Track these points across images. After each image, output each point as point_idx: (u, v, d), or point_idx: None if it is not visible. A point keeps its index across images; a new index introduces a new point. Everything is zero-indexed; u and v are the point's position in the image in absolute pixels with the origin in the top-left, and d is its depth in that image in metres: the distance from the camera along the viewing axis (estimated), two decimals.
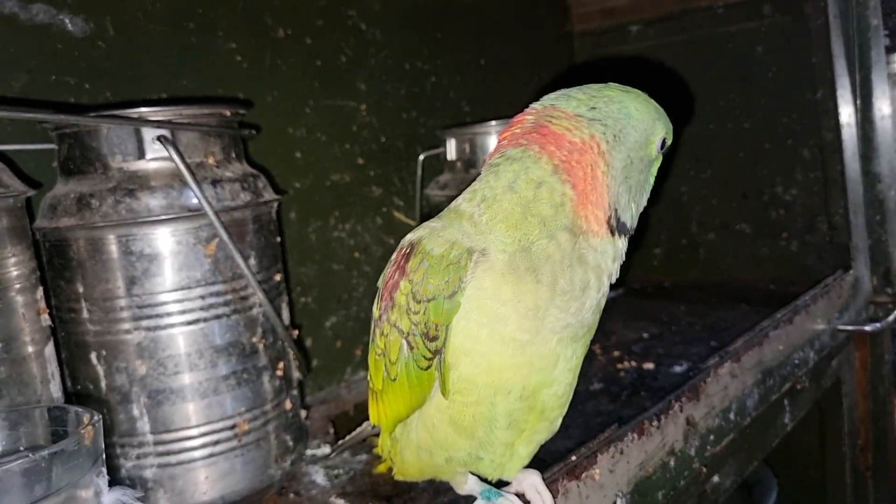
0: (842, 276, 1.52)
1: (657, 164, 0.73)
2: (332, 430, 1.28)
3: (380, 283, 0.75)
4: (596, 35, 2.00)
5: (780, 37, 1.69)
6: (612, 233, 0.68)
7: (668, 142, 0.72)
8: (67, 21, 1.09)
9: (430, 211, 1.51)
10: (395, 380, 0.73)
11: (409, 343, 0.70)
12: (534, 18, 1.96)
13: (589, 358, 1.49)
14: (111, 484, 0.95)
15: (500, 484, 0.80)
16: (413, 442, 0.76)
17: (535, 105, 0.70)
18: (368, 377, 0.81)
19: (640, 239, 1.98)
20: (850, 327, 1.46)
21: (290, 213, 1.40)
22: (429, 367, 0.69)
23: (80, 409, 0.71)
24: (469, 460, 0.74)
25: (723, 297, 1.77)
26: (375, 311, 0.75)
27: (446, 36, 1.71)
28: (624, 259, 0.72)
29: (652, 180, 0.73)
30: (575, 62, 2.03)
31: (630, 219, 0.70)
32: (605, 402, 1.27)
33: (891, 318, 1.48)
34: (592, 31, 2.00)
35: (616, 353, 1.50)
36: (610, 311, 1.83)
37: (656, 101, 0.73)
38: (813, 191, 1.70)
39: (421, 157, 1.48)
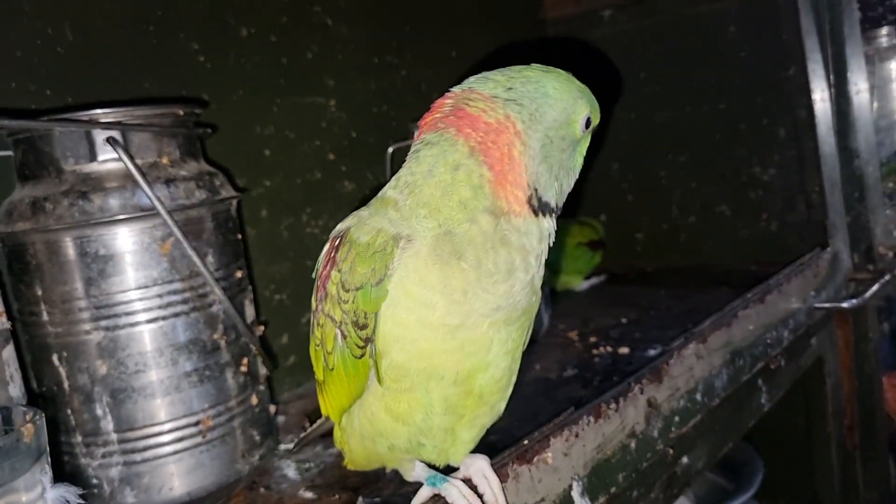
0: (818, 254, 1.51)
1: (585, 143, 0.73)
2: (307, 425, 1.29)
3: (314, 275, 0.76)
4: (569, 21, 1.99)
5: (751, 15, 1.68)
6: (535, 213, 0.68)
7: (594, 121, 0.72)
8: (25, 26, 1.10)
9: None
10: (332, 370, 0.74)
11: (342, 332, 0.71)
12: (505, 6, 1.96)
13: (564, 345, 1.50)
14: (71, 483, 0.96)
15: (449, 470, 0.81)
16: (357, 431, 0.77)
17: (455, 89, 0.71)
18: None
19: (620, 224, 1.99)
20: (826, 305, 1.46)
21: (262, 210, 1.41)
22: (362, 356, 0.70)
23: (25, 408, 0.72)
24: (410, 447, 0.75)
25: (704, 281, 1.76)
26: (313, 303, 0.76)
27: (415, 28, 1.71)
28: (553, 239, 0.72)
29: (580, 160, 0.73)
30: (550, 49, 2.03)
31: (554, 198, 0.70)
32: (577, 387, 1.27)
33: (868, 294, 1.47)
34: (565, 17, 1.99)
35: (592, 339, 1.50)
36: (591, 298, 1.84)
37: (592, 83, 0.73)
38: (790, 170, 1.69)
39: (390, 150, 1.48)
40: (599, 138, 1.93)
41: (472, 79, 0.71)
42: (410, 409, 0.71)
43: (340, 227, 0.73)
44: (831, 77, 1.59)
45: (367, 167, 1.58)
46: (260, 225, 1.40)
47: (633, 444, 1.00)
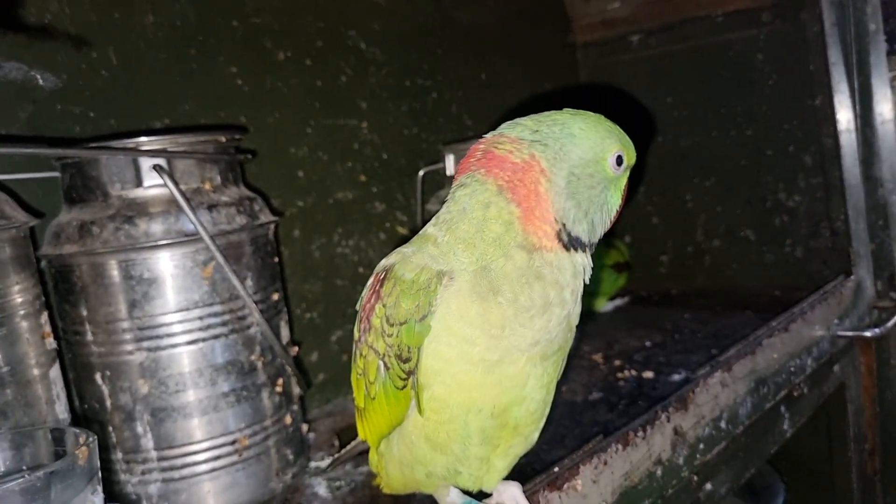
0: (842, 282, 1.52)
1: (621, 181, 0.75)
2: (336, 443, 1.31)
3: (358, 307, 0.78)
4: (598, 46, 2.02)
5: (779, 44, 1.70)
6: (567, 248, 0.71)
7: (628, 160, 0.74)
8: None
9: None
10: (374, 399, 0.76)
11: (385, 364, 0.73)
12: (535, 31, 1.98)
13: (590, 367, 1.52)
14: (112, 500, 0.99)
15: (482, 496, 0.83)
16: (395, 457, 0.80)
17: (487, 135, 0.74)
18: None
19: (645, 247, 2.00)
20: (849, 333, 1.47)
21: (294, 230, 1.44)
22: (404, 387, 0.73)
23: (77, 430, 0.75)
24: (448, 474, 0.77)
25: (728, 305, 1.78)
26: (356, 333, 0.78)
27: (447, 52, 1.74)
28: (589, 274, 0.74)
29: (615, 197, 0.74)
30: (578, 74, 2.05)
31: (585, 233, 0.72)
32: (602, 411, 1.29)
33: (891, 323, 1.48)
34: (595, 41, 2.02)
35: (617, 363, 1.51)
36: (615, 320, 1.86)
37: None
38: (816, 197, 1.70)
39: (421, 173, 1.51)
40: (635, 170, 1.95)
41: (503, 125, 0.74)
42: (449, 440, 0.73)
43: (384, 262, 0.76)
44: (857, 107, 1.60)
45: (398, 188, 1.61)
46: (293, 245, 1.43)
47: (659, 472, 1.01)
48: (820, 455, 1.67)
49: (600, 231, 0.74)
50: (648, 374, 1.43)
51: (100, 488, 0.72)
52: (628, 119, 0.77)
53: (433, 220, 0.75)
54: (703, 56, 1.84)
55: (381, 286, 0.73)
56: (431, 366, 0.70)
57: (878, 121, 1.62)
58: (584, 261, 0.73)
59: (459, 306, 0.69)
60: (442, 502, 0.83)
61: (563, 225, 0.70)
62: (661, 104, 1.91)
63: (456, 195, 0.73)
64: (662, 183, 1.94)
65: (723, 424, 1.15)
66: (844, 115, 1.59)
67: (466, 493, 0.82)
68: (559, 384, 0.76)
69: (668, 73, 1.90)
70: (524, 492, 0.82)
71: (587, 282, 0.74)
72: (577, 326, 0.76)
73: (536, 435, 0.80)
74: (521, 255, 0.69)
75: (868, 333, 1.46)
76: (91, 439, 0.72)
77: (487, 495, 0.83)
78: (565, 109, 0.73)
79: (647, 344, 1.61)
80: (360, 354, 0.77)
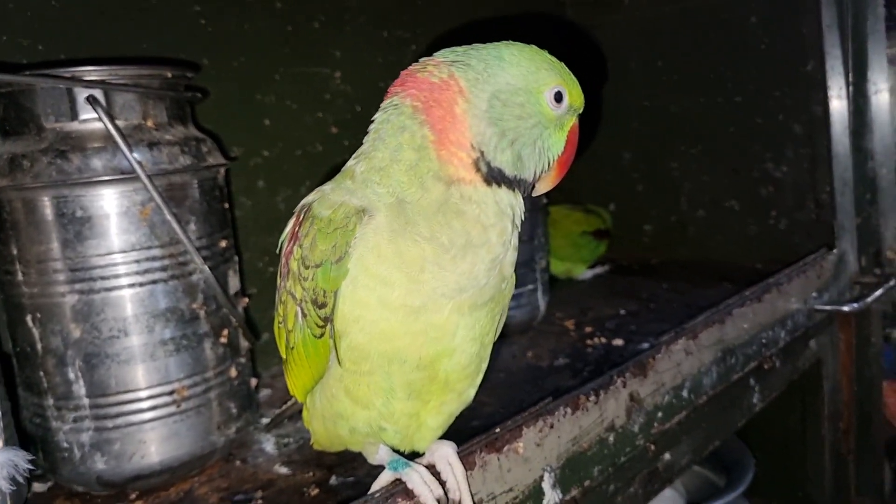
0: (823, 255, 1.47)
1: (566, 124, 0.69)
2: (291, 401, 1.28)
3: (278, 250, 0.74)
4: (589, 3, 1.95)
5: (774, 6, 1.63)
6: (488, 182, 0.65)
7: (570, 100, 0.68)
8: None
9: None
10: (293, 349, 0.72)
11: (302, 310, 0.69)
12: None
13: (559, 333, 1.48)
14: (45, 447, 0.95)
15: (414, 455, 0.79)
16: (319, 412, 0.76)
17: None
18: None
19: (628, 215, 1.95)
20: (827, 307, 1.42)
21: (259, 181, 1.39)
22: (322, 336, 0.68)
23: None
24: (371, 431, 0.73)
25: (707, 276, 1.73)
26: (278, 279, 0.74)
27: (428, 2, 1.67)
28: (520, 216, 0.69)
29: (555, 138, 0.68)
30: (566, 31, 1.99)
31: (509, 165, 0.66)
32: (566, 377, 1.25)
33: (870, 298, 1.43)
34: None
35: (588, 330, 1.48)
36: (592, 288, 1.82)
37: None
38: (803, 168, 1.64)
39: None
40: (613, 128, 1.90)
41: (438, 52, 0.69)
42: (370, 393, 0.69)
43: (305, 200, 0.71)
44: (850, 74, 1.54)
45: None
46: (256, 196, 1.38)
47: (611, 438, 0.98)
48: (793, 432, 1.64)
49: (532, 169, 0.68)
50: (618, 342, 1.39)
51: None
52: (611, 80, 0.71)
53: (354, 155, 0.70)
54: (695, 17, 1.77)
55: (300, 226, 0.68)
56: (349, 312, 0.65)
57: (871, 90, 1.56)
58: (510, 199, 0.67)
59: (376, 245, 0.64)
60: (370, 459, 0.79)
61: (482, 153, 0.64)
62: (650, 68, 1.85)
63: (375, 123, 0.69)
64: (648, 150, 1.88)
65: (685, 393, 1.11)
66: (836, 82, 1.53)
67: (398, 452, 0.78)
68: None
69: (658, 35, 1.84)
70: (458, 452, 0.78)
71: (518, 225, 0.69)
72: (514, 273, 0.71)
73: (472, 392, 0.76)
74: (438, 186, 0.64)
75: (846, 308, 1.42)
76: None
77: (420, 456, 0.79)
78: (504, 41, 0.68)
79: (622, 312, 1.57)
80: (280, 301, 0.72)
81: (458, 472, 0.76)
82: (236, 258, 1.11)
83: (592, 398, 0.94)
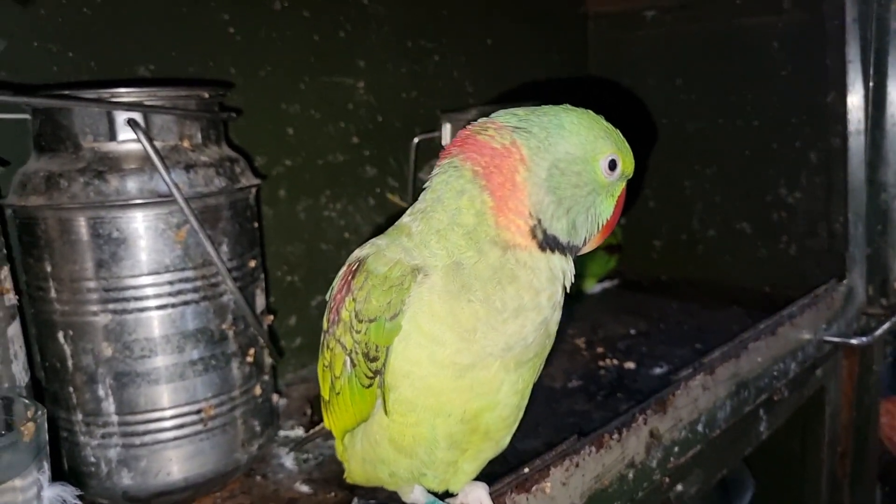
0: (834, 287, 1.49)
1: (615, 190, 0.70)
2: (308, 411, 1.29)
3: (328, 297, 0.75)
4: (611, 18, 1.94)
5: (797, 34, 1.63)
6: (542, 248, 0.66)
7: (624, 168, 0.69)
8: None
9: None
10: (339, 394, 0.73)
11: (351, 360, 0.70)
12: None
13: (571, 352, 1.50)
14: (71, 464, 0.96)
15: (447, 495, 0.80)
16: (358, 453, 0.77)
17: (477, 121, 0.69)
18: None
19: (640, 231, 1.96)
20: (836, 339, 1.44)
21: (280, 190, 1.39)
22: (370, 386, 0.69)
23: (27, 402, 0.71)
24: (411, 477, 0.74)
25: (716, 297, 1.75)
26: (325, 323, 0.75)
27: (452, 13, 1.67)
28: (570, 280, 0.70)
29: (607, 206, 0.69)
30: (588, 45, 1.99)
31: (563, 233, 0.66)
32: (580, 401, 1.27)
33: (878, 332, 1.45)
34: (608, 13, 1.94)
35: (600, 350, 1.49)
36: (602, 303, 1.83)
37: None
38: (816, 196, 1.66)
39: (415, 141, 1.46)
40: (627, 142, 1.90)
41: (496, 112, 0.69)
42: (415, 443, 0.70)
43: (358, 253, 0.72)
44: (869, 108, 1.55)
45: (391, 153, 1.56)
46: (277, 205, 1.39)
47: (631, 475, 0.99)
48: (793, 455, 1.66)
49: (583, 235, 0.69)
50: (630, 365, 1.41)
51: (46, 466, 0.69)
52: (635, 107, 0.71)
53: (409, 210, 0.71)
54: (718, 39, 1.77)
55: (353, 278, 0.69)
56: (400, 367, 0.66)
57: (888, 123, 1.57)
58: (562, 265, 0.68)
59: (430, 305, 0.65)
60: (405, 498, 0.80)
61: (539, 221, 0.65)
62: (669, 85, 1.85)
63: (433, 182, 0.69)
64: (663, 167, 1.89)
65: (700, 428, 1.12)
66: (855, 116, 1.54)
67: (431, 492, 0.79)
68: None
69: (679, 53, 1.84)
70: (490, 493, 0.80)
71: (567, 288, 0.70)
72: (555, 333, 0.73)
73: (508, 439, 0.77)
74: (494, 251, 0.64)
75: (855, 341, 1.44)
76: (40, 413, 0.69)
77: (452, 495, 0.80)
78: (565, 104, 0.68)
79: (632, 332, 1.59)
80: (327, 347, 0.73)
81: None
82: (263, 276, 1.11)
83: (616, 436, 0.96)
